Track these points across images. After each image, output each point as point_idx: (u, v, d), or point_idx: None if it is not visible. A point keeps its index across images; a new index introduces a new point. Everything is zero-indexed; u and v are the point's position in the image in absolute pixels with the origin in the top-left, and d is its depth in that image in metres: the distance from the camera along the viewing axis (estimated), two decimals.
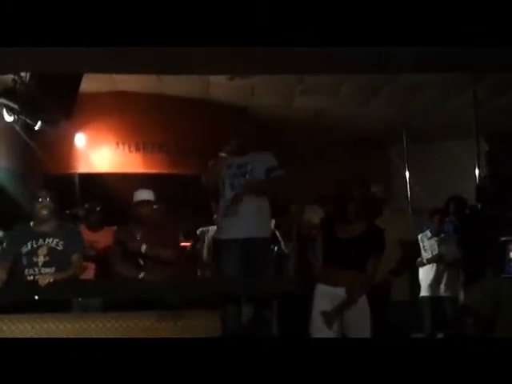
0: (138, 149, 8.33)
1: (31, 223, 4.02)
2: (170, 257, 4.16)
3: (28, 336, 3.43)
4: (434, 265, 5.73)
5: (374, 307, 3.61)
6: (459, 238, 4.44)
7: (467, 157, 7.74)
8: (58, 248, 3.91)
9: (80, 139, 7.95)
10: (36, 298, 3.69)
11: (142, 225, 4.24)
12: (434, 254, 5.70)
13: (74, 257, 3.95)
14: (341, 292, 3.51)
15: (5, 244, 4.10)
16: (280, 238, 5.37)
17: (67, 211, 5.42)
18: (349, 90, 7.97)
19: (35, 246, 3.90)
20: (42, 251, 3.89)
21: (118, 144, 8.27)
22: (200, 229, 6.08)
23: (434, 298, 5.75)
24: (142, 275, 4.08)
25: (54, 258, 3.88)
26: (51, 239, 3.92)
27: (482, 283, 4.04)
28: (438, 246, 5.72)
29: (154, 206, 5.04)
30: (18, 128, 6.41)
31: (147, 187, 4.43)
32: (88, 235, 4.82)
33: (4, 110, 6.12)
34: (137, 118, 8.08)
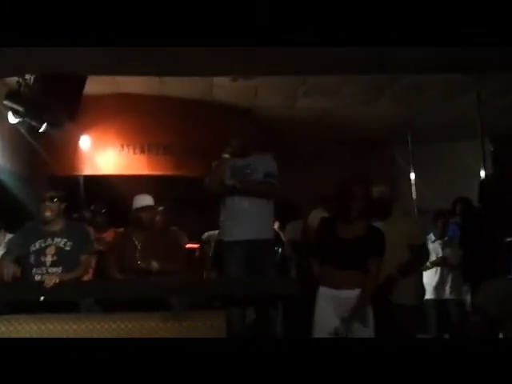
0: (142, 151, 8.34)
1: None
2: (169, 269, 4.13)
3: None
4: (438, 268, 5.71)
5: (377, 308, 3.61)
6: (464, 240, 4.41)
7: (472, 157, 7.74)
8: (66, 248, 3.92)
9: (85, 141, 7.98)
10: (41, 299, 3.72)
11: (143, 231, 4.23)
12: (438, 256, 5.68)
13: (83, 257, 3.96)
14: (343, 294, 3.49)
15: (14, 240, 4.09)
16: (284, 240, 5.37)
17: (74, 215, 5.42)
18: (352, 91, 7.97)
19: (43, 245, 3.91)
20: (50, 251, 3.90)
21: (122, 146, 8.28)
22: (207, 233, 6.09)
23: (438, 301, 5.72)
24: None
25: (61, 258, 3.89)
26: (59, 239, 3.93)
27: (489, 284, 4.02)
28: (442, 248, 5.71)
29: (160, 208, 5.09)
30: (23, 130, 6.42)
31: (152, 189, 4.44)
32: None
33: (9, 112, 6.13)
34: (141, 120, 8.09)
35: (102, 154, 8.23)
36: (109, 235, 5.08)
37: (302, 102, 8.51)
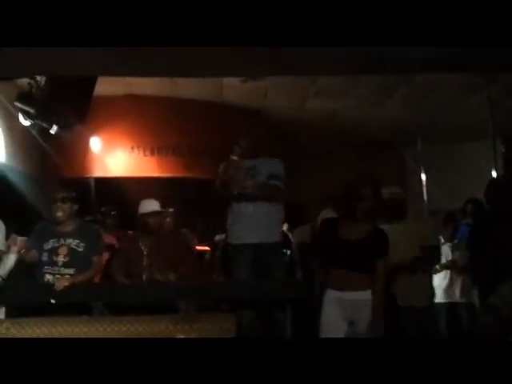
0: (152, 152, 8.35)
1: None
2: (175, 277, 4.12)
3: None
4: (448, 271, 5.67)
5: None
6: (472, 242, 4.38)
7: (484, 158, 7.68)
8: (79, 249, 3.94)
9: (95, 143, 8.01)
10: (52, 301, 3.74)
11: (150, 236, 4.22)
12: (448, 259, 5.64)
13: (95, 258, 3.97)
14: (347, 296, 3.47)
15: (30, 241, 4.13)
16: (292, 242, 5.36)
17: (87, 218, 5.44)
18: (361, 92, 7.94)
19: (56, 245, 3.94)
20: (63, 251, 3.92)
21: (132, 148, 8.30)
22: (218, 236, 6.08)
23: (448, 304, 5.69)
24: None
25: (74, 259, 3.92)
26: (72, 240, 3.96)
27: (502, 286, 3.98)
28: (452, 251, 5.67)
29: (170, 209, 5.09)
30: (33, 132, 6.45)
31: (161, 191, 4.44)
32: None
33: (20, 114, 6.16)
34: (151, 122, 8.10)
35: (112, 156, 8.26)
36: (112, 239, 5.06)
37: (311, 103, 8.49)
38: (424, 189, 8.84)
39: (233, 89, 7.82)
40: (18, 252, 4.03)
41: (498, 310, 3.71)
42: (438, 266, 5.53)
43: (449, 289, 5.69)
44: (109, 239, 4.99)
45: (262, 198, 4.14)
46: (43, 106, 6.05)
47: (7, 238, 4.81)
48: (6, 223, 4.60)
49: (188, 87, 7.75)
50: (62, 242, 3.94)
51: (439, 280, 5.66)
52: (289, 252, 5.32)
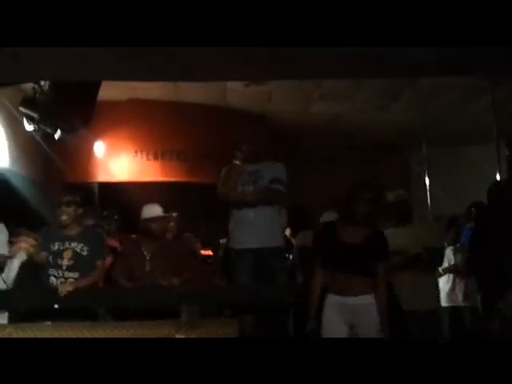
0: (156, 157, 8.36)
1: None
2: (179, 282, 4.11)
3: None
4: (451, 275, 5.64)
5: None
6: (475, 245, 4.36)
7: (488, 162, 7.64)
8: (83, 253, 3.96)
9: (99, 147, 8.02)
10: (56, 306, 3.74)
11: (153, 241, 4.21)
12: (451, 264, 5.62)
13: (99, 262, 3.98)
14: (350, 301, 3.45)
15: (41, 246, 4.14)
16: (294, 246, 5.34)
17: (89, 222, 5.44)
18: (366, 96, 7.93)
19: (61, 248, 3.95)
20: (67, 254, 3.94)
21: (136, 152, 8.31)
22: (222, 240, 6.07)
23: (452, 308, 5.66)
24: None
25: (78, 262, 3.93)
26: (76, 243, 3.97)
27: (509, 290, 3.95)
28: (454, 255, 5.64)
29: (174, 214, 5.08)
30: (37, 137, 6.47)
31: (165, 195, 4.44)
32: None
33: (24, 119, 6.17)
34: (155, 126, 8.12)
35: (116, 161, 8.27)
36: (115, 243, 5.06)
37: (315, 107, 8.49)
38: (428, 193, 8.82)
39: (236, 93, 7.82)
40: (28, 249, 4.02)
41: (504, 316, 3.69)
42: (441, 270, 5.52)
43: (452, 293, 5.67)
44: (112, 243, 4.99)
45: (265, 202, 4.13)
46: (47, 110, 6.07)
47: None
48: (8, 228, 4.62)
49: (192, 91, 7.76)
50: (67, 245, 3.96)
51: (442, 284, 5.64)
52: (291, 257, 5.30)
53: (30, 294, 4.05)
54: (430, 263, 4.45)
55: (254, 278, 4.06)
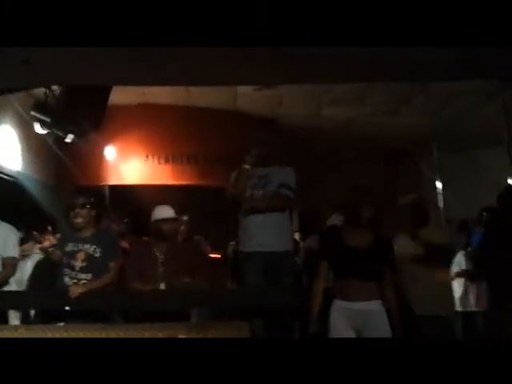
0: (167, 160, 8.40)
1: None
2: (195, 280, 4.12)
3: None
4: (463, 279, 5.61)
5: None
6: (485, 250, 4.35)
7: (500, 166, 7.60)
8: (96, 255, 3.97)
9: (110, 151, 8.07)
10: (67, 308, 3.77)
11: (164, 242, 4.22)
12: (462, 268, 5.58)
13: (112, 264, 3.99)
14: (357, 306, 3.43)
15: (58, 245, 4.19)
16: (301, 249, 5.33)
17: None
18: (377, 100, 7.91)
19: (75, 249, 3.98)
20: (81, 256, 3.96)
21: (147, 156, 8.36)
22: (231, 242, 6.08)
23: (464, 313, 5.62)
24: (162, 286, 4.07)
25: (91, 264, 3.94)
26: (89, 245, 3.98)
27: None
28: (465, 260, 5.60)
29: (185, 217, 5.09)
30: (49, 141, 6.52)
31: (176, 199, 4.45)
32: None
33: (36, 123, 6.23)
34: (165, 130, 8.16)
35: (127, 164, 8.32)
36: (124, 244, 5.07)
37: (326, 111, 8.48)
38: (441, 197, 8.79)
39: (247, 97, 7.84)
40: (47, 249, 4.06)
41: None
42: (453, 275, 5.49)
43: (464, 298, 5.62)
44: (122, 244, 5.01)
45: (273, 208, 4.14)
46: (59, 115, 6.12)
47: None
48: (20, 230, 4.65)
49: (202, 96, 7.79)
50: (80, 247, 3.99)
51: (454, 289, 5.60)
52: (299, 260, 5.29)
53: (43, 296, 4.08)
54: (441, 258, 4.44)
55: (263, 281, 4.06)
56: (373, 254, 3.46)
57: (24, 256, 5.20)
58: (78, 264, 3.95)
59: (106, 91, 5.92)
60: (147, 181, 8.25)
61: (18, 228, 4.42)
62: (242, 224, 4.26)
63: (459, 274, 5.58)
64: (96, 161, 8.03)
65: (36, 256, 5.10)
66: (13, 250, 4.18)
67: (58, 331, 3.57)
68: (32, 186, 6.80)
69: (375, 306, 3.43)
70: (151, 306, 3.90)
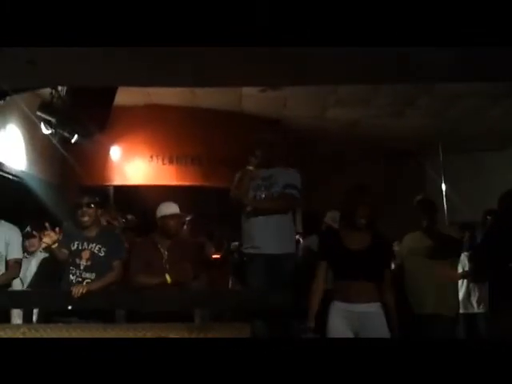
0: (171, 161, 8.43)
1: None
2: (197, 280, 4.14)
3: None
4: (465, 280, 5.60)
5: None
6: (487, 252, 4.36)
7: (504, 168, 7.60)
8: (101, 254, 3.98)
9: (115, 152, 8.11)
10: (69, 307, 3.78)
11: (169, 239, 4.24)
12: (465, 269, 5.57)
13: (116, 263, 4.01)
14: (357, 308, 3.42)
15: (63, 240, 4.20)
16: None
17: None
18: (382, 101, 7.91)
19: (80, 247, 4.00)
20: (85, 254, 3.97)
21: (151, 156, 8.39)
22: (233, 243, 6.08)
23: (466, 315, 5.61)
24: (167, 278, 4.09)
25: (95, 263, 3.96)
26: (94, 244, 4.00)
27: None
28: (468, 261, 5.59)
29: (188, 218, 5.11)
30: (55, 141, 6.55)
31: (180, 199, 4.46)
32: None
33: (42, 123, 6.26)
34: (170, 131, 8.19)
35: (132, 165, 8.35)
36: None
37: (331, 113, 8.49)
38: (444, 199, 8.76)
39: (252, 98, 7.86)
40: (51, 244, 4.07)
41: None
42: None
43: (466, 299, 5.62)
44: None
45: (277, 209, 4.14)
46: (64, 115, 6.15)
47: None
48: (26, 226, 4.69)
49: (207, 97, 7.81)
50: (85, 246, 4.01)
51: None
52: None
53: (48, 295, 4.09)
54: (446, 250, 4.46)
55: (264, 283, 4.05)
56: (372, 255, 3.45)
57: (30, 252, 5.25)
58: (83, 263, 3.97)
59: (112, 92, 5.94)
60: (151, 181, 8.28)
61: (24, 225, 4.45)
62: (246, 225, 4.26)
63: (462, 276, 5.56)
64: (101, 161, 8.07)
65: (41, 254, 5.13)
66: (16, 251, 4.20)
67: (59, 330, 3.59)
68: (37, 186, 6.84)
69: (374, 308, 3.42)
70: (154, 307, 3.91)
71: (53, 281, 4.35)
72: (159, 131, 8.18)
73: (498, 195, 4.33)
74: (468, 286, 5.63)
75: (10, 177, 6.59)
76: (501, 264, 3.76)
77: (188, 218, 5.24)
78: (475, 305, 5.61)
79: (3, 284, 4.17)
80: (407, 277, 4.58)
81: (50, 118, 6.19)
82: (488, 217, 5.57)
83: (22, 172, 6.88)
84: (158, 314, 3.82)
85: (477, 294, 5.59)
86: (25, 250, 5.12)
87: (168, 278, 4.04)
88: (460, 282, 5.58)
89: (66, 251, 4.00)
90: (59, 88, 6.03)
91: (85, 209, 4.02)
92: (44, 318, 4.15)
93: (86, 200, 4.04)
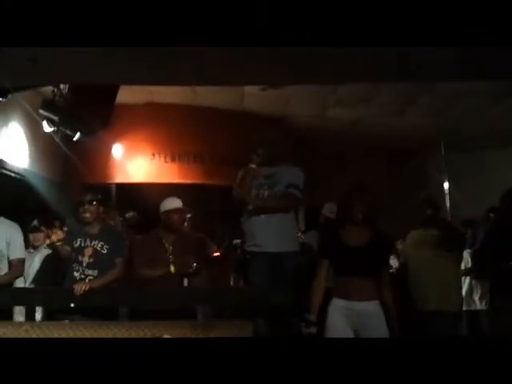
0: (173, 159, 8.44)
1: None
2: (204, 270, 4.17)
3: None
4: (468, 278, 5.61)
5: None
6: (489, 248, 4.37)
7: (506, 167, 7.59)
8: (103, 251, 4.02)
9: (117, 150, 8.12)
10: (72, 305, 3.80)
11: (173, 233, 4.27)
12: (468, 266, 5.58)
13: (118, 260, 4.03)
14: (356, 306, 3.43)
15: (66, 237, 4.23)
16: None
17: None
18: (383, 100, 7.91)
19: (83, 244, 4.03)
20: (88, 251, 4.02)
21: (153, 154, 8.40)
22: (237, 240, 6.08)
23: (468, 312, 5.62)
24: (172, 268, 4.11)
25: (98, 260, 4.00)
26: (97, 241, 4.04)
27: None
28: (471, 258, 5.60)
29: (188, 215, 5.14)
30: (57, 139, 6.57)
31: (182, 197, 4.48)
32: None
33: (44, 121, 6.28)
34: (172, 129, 8.20)
35: (134, 162, 8.37)
36: None
37: (332, 112, 8.49)
38: (447, 197, 8.76)
39: (253, 97, 7.86)
40: (55, 243, 4.10)
41: None
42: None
43: (468, 296, 5.63)
44: None
45: (279, 208, 4.15)
46: (67, 113, 6.16)
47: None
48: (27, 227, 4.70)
49: (209, 95, 7.82)
50: (88, 243, 4.04)
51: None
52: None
53: (51, 292, 4.12)
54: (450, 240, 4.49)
55: (266, 281, 4.06)
56: (371, 252, 3.46)
57: (35, 246, 5.27)
58: (86, 260, 4.00)
59: (114, 90, 5.95)
60: (153, 179, 8.29)
61: (26, 223, 4.46)
62: (247, 224, 4.27)
63: (465, 273, 5.58)
64: (103, 159, 8.08)
65: (44, 251, 5.16)
66: (19, 250, 4.20)
67: (62, 328, 3.60)
68: (39, 183, 6.85)
69: (373, 306, 3.43)
70: (156, 304, 3.92)
71: (56, 278, 4.39)
72: (161, 129, 8.19)
73: (499, 193, 4.34)
74: (470, 283, 5.63)
75: (13, 175, 6.60)
76: (502, 261, 3.77)
77: (188, 216, 5.26)
78: (478, 302, 5.62)
79: (6, 283, 4.19)
80: (411, 274, 4.61)
81: (52, 116, 6.20)
82: (490, 214, 5.59)
83: (25, 170, 6.89)
84: (160, 311, 3.84)
85: (479, 291, 5.61)
86: (29, 244, 5.15)
87: (172, 268, 4.08)
88: (462, 279, 5.60)
89: (68, 248, 4.03)
90: (61, 86, 6.04)
91: (86, 206, 4.05)
92: (48, 317, 4.18)
93: (88, 197, 4.08)
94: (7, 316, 4.18)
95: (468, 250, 5.62)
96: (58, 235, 4.07)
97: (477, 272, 5.41)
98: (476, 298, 5.64)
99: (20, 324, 3.98)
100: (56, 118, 6.21)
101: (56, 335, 3.55)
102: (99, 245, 4.03)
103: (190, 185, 8.18)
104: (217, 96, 7.81)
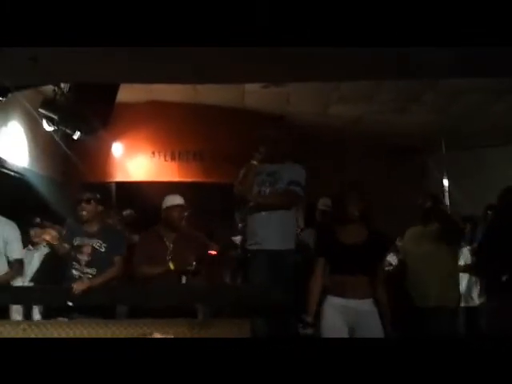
0: (173, 158, 8.44)
1: None
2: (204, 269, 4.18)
3: None
4: (466, 274, 5.60)
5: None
6: (487, 246, 4.38)
7: (506, 165, 7.57)
8: (102, 250, 4.05)
9: (117, 148, 8.12)
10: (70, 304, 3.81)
11: (173, 231, 4.27)
12: (467, 263, 5.57)
13: (116, 258, 4.04)
14: (352, 304, 3.42)
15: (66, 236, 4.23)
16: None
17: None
18: (385, 97, 7.88)
19: (82, 243, 4.06)
20: (87, 250, 4.04)
21: (153, 153, 8.40)
22: (237, 237, 6.07)
23: (467, 309, 5.61)
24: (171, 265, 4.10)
25: (96, 258, 4.02)
26: (95, 240, 4.06)
27: None
28: (470, 255, 5.60)
29: (185, 213, 5.14)
30: (57, 138, 6.56)
31: (182, 195, 4.48)
32: None
33: (44, 120, 6.27)
34: (172, 127, 8.19)
35: (134, 161, 8.37)
36: None
37: (334, 109, 8.47)
38: (447, 194, 8.75)
39: (255, 94, 7.84)
40: (51, 241, 4.10)
41: None
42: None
43: (466, 293, 5.63)
44: None
45: (281, 205, 4.15)
46: (67, 112, 6.15)
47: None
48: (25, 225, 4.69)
49: (209, 93, 7.80)
50: (87, 241, 4.06)
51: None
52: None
53: (48, 291, 4.12)
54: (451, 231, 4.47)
55: (266, 279, 4.07)
56: (367, 249, 3.47)
57: (34, 243, 5.27)
58: (84, 258, 4.02)
59: (114, 89, 5.95)
60: (153, 177, 8.30)
61: (26, 222, 4.46)
62: (247, 221, 4.28)
63: (464, 269, 5.57)
64: (103, 157, 8.09)
65: (44, 249, 5.16)
66: (17, 250, 4.20)
67: (60, 326, 3.61)
68: (39, 183, 6.85)
69: (368, 305, 3.44)
70: (154, 302, 3.93)
71: (55, 277, 4.39)
72: (161, 128, 8.19)
73: (498, 191, 4.34)
74: (469, 280, 5.63)
75: (13, 173, 6.60)
76: (501, 259, 3.78)
77: (185, 214, 5.27)
78: (476, 298, 5.62)
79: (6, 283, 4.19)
80: (409, 271, 4.60)
81: (52, 115, 6.19)
82: (488, 211, 5.59)
83: (25, 169, 6.89)
84: (159, 310, 3.85)
85: (478, 287, 5.59)
86: (29, 240, 5.15)
87: (171, 265, 4.08)
88: (461, 275, 5.59)
89: (66, 246, 4.04)
90: (62, 85, 6.03)
91: (84, 204, 4.07)
92: (47, 315, 4.19)
93: (85, 196, 4.10)
94: (4, 315, 4.19)
95: (468, 247, 5.63)
96: (49, 233, 4.06)
97: (475, 270, 5.42)
98: (475, 294, 5.63)
99: (18, 323, 3.99)
100: (56, 117, 6.20)
101: (54, 334, 3.57)
102: (98, 243, 4.05)
103: (190, 183, 8.18)
104: (217, 94, 7.78)
